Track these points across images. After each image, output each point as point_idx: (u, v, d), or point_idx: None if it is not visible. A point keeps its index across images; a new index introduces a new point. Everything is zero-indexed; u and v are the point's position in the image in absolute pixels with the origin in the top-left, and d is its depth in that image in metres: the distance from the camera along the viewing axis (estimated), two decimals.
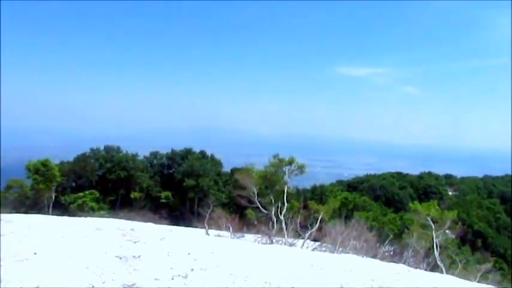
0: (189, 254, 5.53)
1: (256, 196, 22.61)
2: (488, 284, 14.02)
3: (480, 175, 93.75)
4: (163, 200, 55.27)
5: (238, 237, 21.09)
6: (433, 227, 19.88)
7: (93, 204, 45.98)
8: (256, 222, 27.02)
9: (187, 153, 60.02)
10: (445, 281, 6.48)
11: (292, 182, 32.58)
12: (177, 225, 27.75)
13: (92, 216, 10.72)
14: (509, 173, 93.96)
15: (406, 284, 5.62)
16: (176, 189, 56.06)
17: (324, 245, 21.66)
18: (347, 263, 6.34)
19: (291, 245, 18.80)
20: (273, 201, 22.48)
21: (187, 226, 30.77)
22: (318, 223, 21.69)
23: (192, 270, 4.76)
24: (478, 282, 14.64)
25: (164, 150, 63.16)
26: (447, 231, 23.09)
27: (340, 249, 19.22)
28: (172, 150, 61.78)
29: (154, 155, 62.24)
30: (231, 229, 22.38)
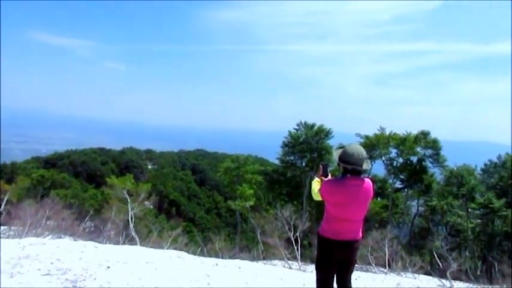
0: None
1: None
2: (175, 248, 15.45)
3: (176, 150, 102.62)
4: None
5: None
6: (129, 200, 20.51)
7: None
8: None
9: None
10: (131, 251, 6.63)
11: None
12: None
13: None
14: (200, 147, 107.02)
15: (90, 260, 5.43)
16: None
17: (13, 228, 19.36)
18: (24, 249, 5.67)
19: None
20: None
21: None
22: (3, 205, 19.10)
23: None
24: (168, 247, 15.97)
25: None
26: (146, 202, 24.23)
27: (34, 231, 17.53)
28: None
29: None
30: None
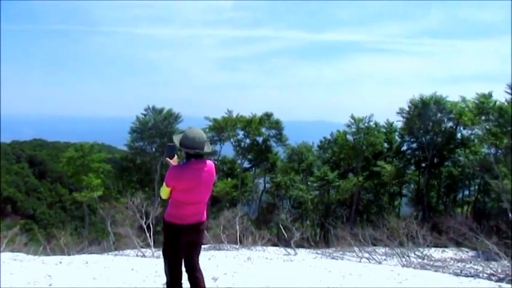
0: None
1: None
2: (13, 249, 13.96)
3: (8, 141, 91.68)
4: None
5: None
6: None
7: None
8: None
9: None
10: None
11: None
12: None
13: None
14: (37, 137, 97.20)
15: None
16: None
17: None
18: None
19: None
20: None
21: None
22: None
23: None
24: (3, 250, 14.29)
25: None
26: None
27: None
28: None
29: None
30: None
